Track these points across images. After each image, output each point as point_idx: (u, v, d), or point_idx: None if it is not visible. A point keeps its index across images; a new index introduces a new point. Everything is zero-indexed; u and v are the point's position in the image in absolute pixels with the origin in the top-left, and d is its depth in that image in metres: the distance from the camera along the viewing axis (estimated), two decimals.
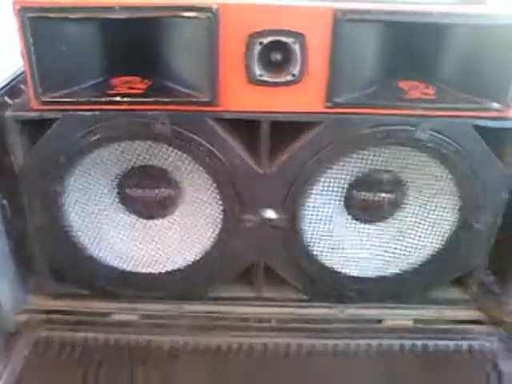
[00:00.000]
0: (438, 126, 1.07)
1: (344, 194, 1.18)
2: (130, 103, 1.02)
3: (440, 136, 1.07)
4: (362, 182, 1.17)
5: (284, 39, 0.99)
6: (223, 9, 0.97)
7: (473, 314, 1.29)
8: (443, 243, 1.20)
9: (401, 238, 1.23)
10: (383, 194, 1.19)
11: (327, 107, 1.04)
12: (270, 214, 1.14)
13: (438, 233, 1.20)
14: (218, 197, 1.13)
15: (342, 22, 0.97)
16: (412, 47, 1.05)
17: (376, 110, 1.05)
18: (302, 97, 1.04)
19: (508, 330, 1.23)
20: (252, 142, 1.09)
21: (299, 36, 0.99)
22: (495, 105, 1.05)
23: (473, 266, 1.25)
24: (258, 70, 1.01)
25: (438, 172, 1.13)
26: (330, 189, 1.15)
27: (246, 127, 1.08)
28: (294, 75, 1.01)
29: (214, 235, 1.17)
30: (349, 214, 1.21)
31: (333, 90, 1.03)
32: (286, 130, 1.08)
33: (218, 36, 0.98)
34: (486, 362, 1.19)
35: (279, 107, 1.05)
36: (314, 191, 1.13)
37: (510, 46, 1.01)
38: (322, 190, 1.15)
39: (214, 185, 1.11)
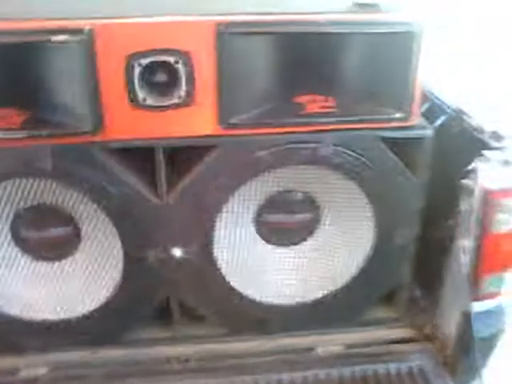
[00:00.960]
0: (342, 140, 1.01)
1: (255, 219, 1.11)
2: (4, 139, 0.93)
3: (345, 150, 1.01)
4: (273, 205, 1.10)
5: (166, 58, 0.92)
6: (98, 29, 0.90)
7: (404, 333, 1.22)
8: (364, 262, 1.14)
9: (321, 259, 1.16)
10: (296, 216, 1.12)
11: (221, 129, 0.98)
12: (176, 247, 1.06)
13: (358, 251, 1.14)
14: (117, 233, 1.04)
15: (226, 36, 0.91)
16: (308, 59, 0.99)
17: (274, 129, 0.99)
18: (193, 120, 0.97)
19: (441, 346, 1.17)
20: (148, 171, 1.01)
21: (182, 54, 0.92)
22: (397, 114, 1.00)
23: (397, 282, 1.19)
24: (141, 94, 0.93)
25: (349, 188, 1.08)
26: (239, 214, 1.08)
27: (140, 155, 1.00)
28: (181, 97, 0.95)
29: (118, 274, 1.08)
30: (263, 238, 1.14)
31: (225, 110, 0.97)
32: (186, 155, 1.01)
33: (95, 59, 0.91)
34: (420, 380, 1.13)
35: (170, 132, 0.98)
36: (221, 218, 1.06)
37: (407, 53, 0.96)
38: (230, 217, 1.07)
39: (111, 221, 1.02)
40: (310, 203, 1.11)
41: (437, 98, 1.11)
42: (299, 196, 1.10)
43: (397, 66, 0.97)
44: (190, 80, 0.93)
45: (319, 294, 1.18)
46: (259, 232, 1.13)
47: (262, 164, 1.01)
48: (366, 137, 1.02)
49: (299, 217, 1.12)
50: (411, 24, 0.94)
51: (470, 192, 1.01)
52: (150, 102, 0.94)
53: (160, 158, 0.99)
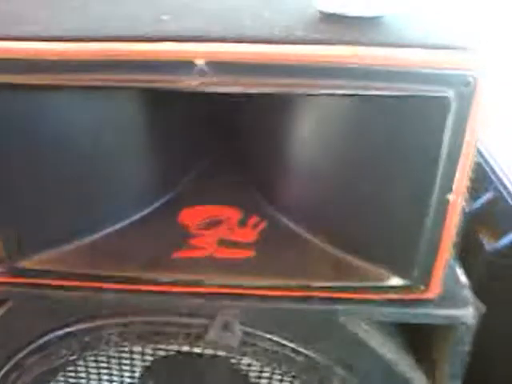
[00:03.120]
0: (269, 318, 0.45)
1: None
2: None
3: (275, 337, 0.46)
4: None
5: None
6: None
7: None
8: None
9: None
10: None
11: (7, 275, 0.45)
12: None
13: None
14: None
15: None
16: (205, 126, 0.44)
17: (108, 285, 0.45)
18: None
19: None
20: None
21: None
22: (401, 279, 0.43)
23: None
24: None
25: None
26: None
27: None
28: None
29: None
30: None
31: (10, 240, 0.43)
32: None
33: None
34: None
35: None
36: None
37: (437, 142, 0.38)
38: None
39: None
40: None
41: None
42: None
43: (411, 170, 0.39)
44: None
45: None
46: None
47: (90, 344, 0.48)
48: (329, 313, 0.45)
49: None
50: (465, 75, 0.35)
51: None
52: None
53: None
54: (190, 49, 0.35)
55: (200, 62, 0.35)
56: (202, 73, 0.35)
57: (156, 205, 0.48)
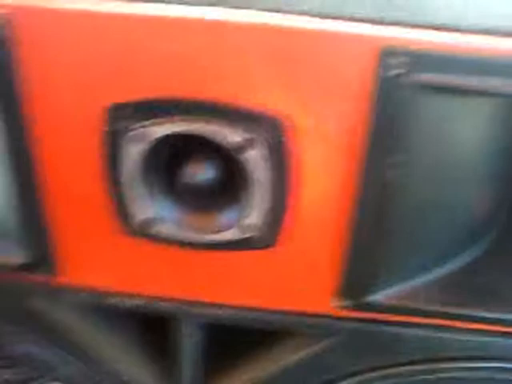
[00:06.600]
0: None
1: None
2: None
3: None
4: None
5: (222, 135, 0.31)
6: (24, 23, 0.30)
7: None
8: None
9: None
10: None
11: (343, 309, 0.38)
12: None
13: None
14: None
15: (400, 81, 0.29)
16: None
17: (456, 323, 0.38)
18: (276, 280, 0.37)
19: None
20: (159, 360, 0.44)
21: (266, 125, 0.31)
22: None
23: None
24: (146, 210, 0.34)
25: None
26: None
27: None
28: (250, 227, 0.34)
29: None
30: None
31: (359, 270, 0.36)
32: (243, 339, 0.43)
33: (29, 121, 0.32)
34: None
35: (215, 296, 0.39)
36: None
37: None
38: None
39: None
40: None
41: None
42: None
43: None
44: (279, 190, 0.33)
45: None
46: None
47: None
48: None
49: None
50: None
51: None
52: (168, 230, 0.35)
53: (191, 341, 0.41)
54: None
55: None
56: None
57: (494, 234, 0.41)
